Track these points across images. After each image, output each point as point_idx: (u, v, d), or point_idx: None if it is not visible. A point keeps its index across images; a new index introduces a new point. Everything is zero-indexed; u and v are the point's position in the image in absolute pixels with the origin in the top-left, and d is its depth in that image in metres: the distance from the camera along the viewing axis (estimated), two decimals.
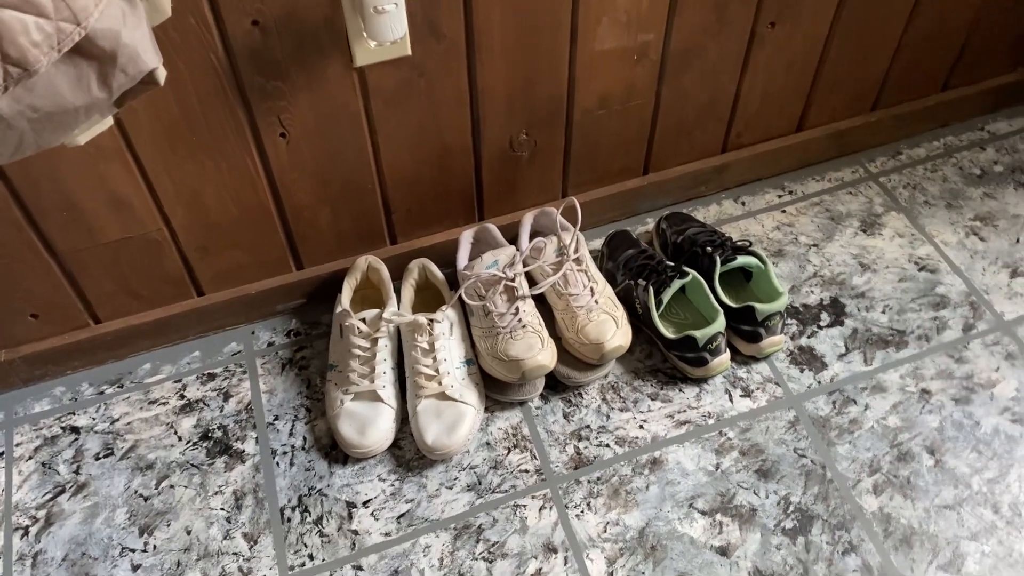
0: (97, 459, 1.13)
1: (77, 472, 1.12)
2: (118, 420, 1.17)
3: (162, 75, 0.70)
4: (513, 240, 1.25)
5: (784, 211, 1.39)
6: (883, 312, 1.26)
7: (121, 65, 0.66)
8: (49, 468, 1.12)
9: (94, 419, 1.17)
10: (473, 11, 1.00)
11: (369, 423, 1.10)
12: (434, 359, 1.13)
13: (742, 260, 1.20)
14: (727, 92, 1.27)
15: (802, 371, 1.19)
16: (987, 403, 1.16)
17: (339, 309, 1.17)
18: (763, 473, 1.10)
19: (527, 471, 1.11)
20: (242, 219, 1.12)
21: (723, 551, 1.03)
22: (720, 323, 1.14)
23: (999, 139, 1.49)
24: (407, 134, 1.11)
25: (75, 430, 1.16)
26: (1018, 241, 1.34)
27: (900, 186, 1.43)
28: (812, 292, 1.28)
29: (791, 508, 1.07)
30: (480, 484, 1.10)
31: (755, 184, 1.42)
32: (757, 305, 1.15)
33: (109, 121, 0.75)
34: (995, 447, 1.12)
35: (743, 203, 1.40)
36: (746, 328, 1.17)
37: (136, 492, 1.10)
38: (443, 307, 1.15)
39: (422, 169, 1.16)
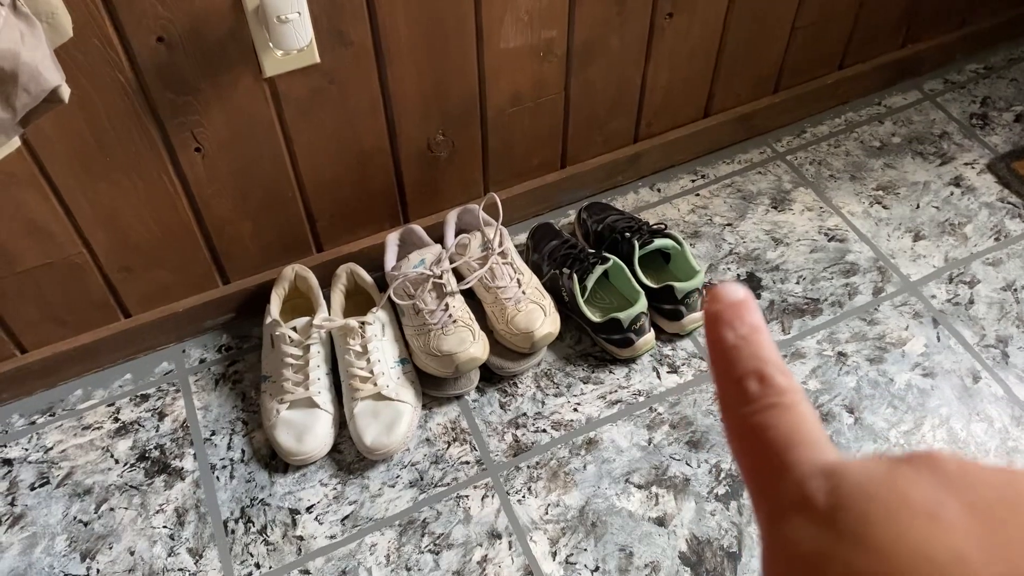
0: (32, 489, 1.12)
1: (12, 504, 1.10)
2: (52, 448, 1.15)
3: (66, 92, 0.71)
4: (439, 239, 1.28)
5: (698, 194, 1.44)
6: (797, 283, 1.32)
7: (23, 84, 0.67)
8: None
9: (27, 449, 1.15)
10: (378, 16, 1.02)
11: (307, 430, 1.11)
12: (368, 361, 1.15)
13: (659, 243, 1.24)
14: (633, 83, 1.31)
15: None
16: (899, 360, 1.22)
17: (269, 320, 1.18)
18: (694, 444, 1.14)
19: (468, 462, 1.13)
20: (164, 237, 1.13)
21: (660, 521, 1.07)
22: (642, 304, 1.18)
23: (895, 112, 1.57)
24: (324, 141, 1.13)
25: (7, 462, 1.14)
26: (918, 207, 1.42)
27: (806, 162, 1.49)
28: (729, 269, 1.34)
29: (722, 475, 1.11)
30: (422, 480, 1.12)
31: (669, 171, 1.47)
32: (676, 284, 1.20)
33: (16, 142, 0.75)
34: (909, 401, 1.18)
35: (658, 189, 1.45)
36: (667, 307, 1.21)
37: (75, 518, 1.09)
38: (374, 309, 1.17)
39: (342, 175, 1.18)
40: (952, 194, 1.43)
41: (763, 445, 0.23)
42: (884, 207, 1.42)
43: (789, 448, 0.22)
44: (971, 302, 1.28)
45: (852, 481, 0.20)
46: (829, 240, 1.37)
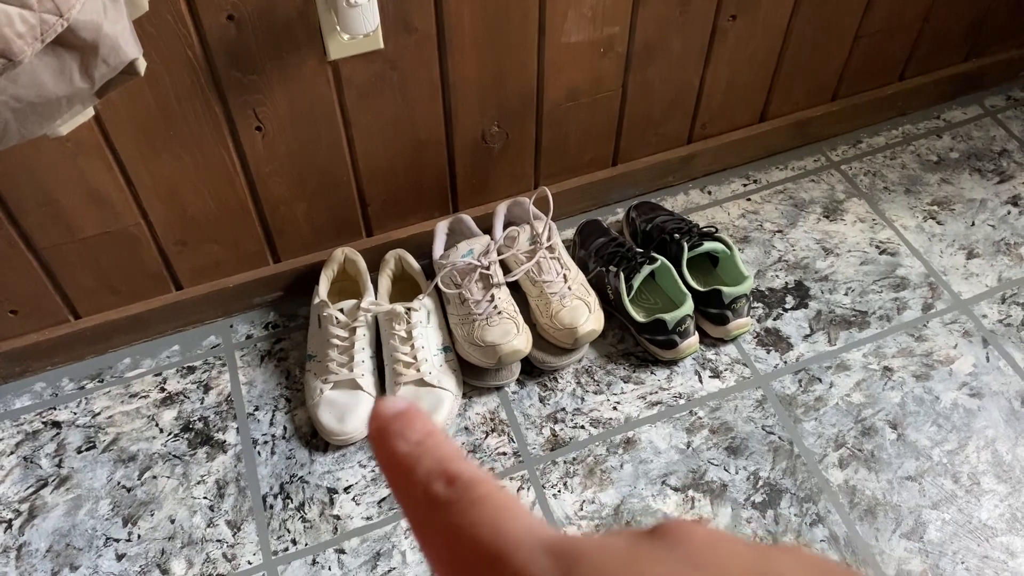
0: (79, 452, 1.14)
1: (59, 465, 1.13)
2: (99, 414, 1.18)
3: (142, 65, 0.72)
4: (487, 230, 1.28)
5: (749, 199, 1.43)
6: (846, 294, 1.30)
7: (103, 55, 0.68)
8: (31, 462, 1.13)
9: (75, 413, 1.18)
10: (443, 5, 1.03)
11: (348, 411, 1.13)
12: (412, 347, 1.16)
13: (708, 246, 1.23)
14: (691, 84, 1.31)
15: (769, 352, 1.23)
16: (946, 379, 1.21)
17: (317, 300, 1.19)
18: (733, 450, 1.13)
19: (505, 454, 1.14)
20: (220, 213, 1.14)
21: None
22: (688, 306, 1.17)
23: (954, 127, 1.55)
24: (381, 127, 1.13)
25: (56, 425, 1.17)
26: (973, 224, 1.39)
27: (861, 173, 1.47)
28: (777, 276, 1.32)
29: (760, 483, 1.10)
30: None
31: (721, 174, 1.46)
32: (724, 288, 1.19)
33: (90, 112, 0.77)
34: (954, 420, 1.16)
35: (709, 192, 1.44)
36: (713, 311, 1.21)
37: (119, 483, 1.11)
38: (420, 295, 1.18)
39: (397, 161, 1.19)
40: (1009, 213, 1.41)
41: (472, 546, 0.19)
42: (938, 223, 1.40)
43: (500, 539, 0.19)
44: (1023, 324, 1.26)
45: (587, 562, 0.18)
46: (880, 253, 1.36)
